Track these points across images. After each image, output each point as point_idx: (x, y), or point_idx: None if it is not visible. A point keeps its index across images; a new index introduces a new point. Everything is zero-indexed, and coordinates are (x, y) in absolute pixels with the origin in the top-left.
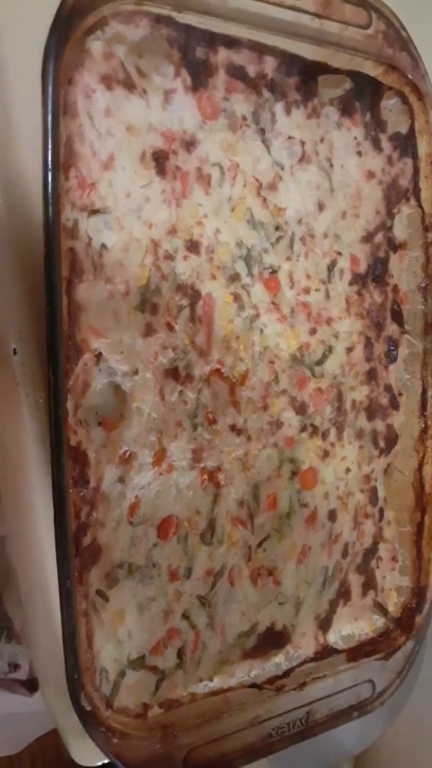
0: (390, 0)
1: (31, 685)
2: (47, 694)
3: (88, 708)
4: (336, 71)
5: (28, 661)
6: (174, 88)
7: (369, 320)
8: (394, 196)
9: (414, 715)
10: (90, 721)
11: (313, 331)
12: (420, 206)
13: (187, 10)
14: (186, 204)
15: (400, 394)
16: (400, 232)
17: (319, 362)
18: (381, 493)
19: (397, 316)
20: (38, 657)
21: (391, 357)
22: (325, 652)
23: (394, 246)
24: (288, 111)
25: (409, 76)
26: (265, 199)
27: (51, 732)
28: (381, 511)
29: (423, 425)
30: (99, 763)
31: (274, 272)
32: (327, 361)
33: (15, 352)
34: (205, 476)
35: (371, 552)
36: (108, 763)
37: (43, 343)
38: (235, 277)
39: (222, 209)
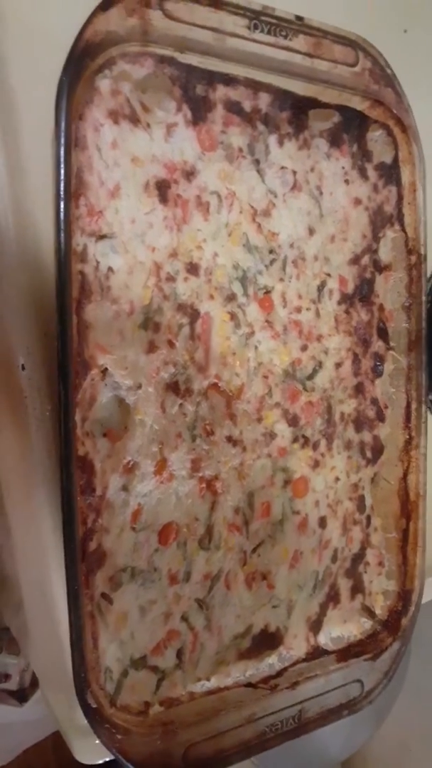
0: (375, 39)
1: (21, 696)
2: (49, 695)
3: (94, 705)
4: (325, 106)
5: (18, 671)
6: (175, 122)
7: (356, 337)
8: (379, 221)
9: (399, 723)
10: (95, 718)
11: (304, 348)
12: (404, 230)
13: (188, 51)
14: (186, 229)
15: (386, 407)
16: (385, 254)
17: (310, 377)
18: (368, 501)
19: (383, 334)
20: (39, 660)
21: (377, 372)
22: (316, 652)
23: (380, 268)
24: (281, 143)
25: (394, 110)
26: (259, 225)
27: (41, 742)
28: (368, 518)
29: (407, 436)
30: (100, 761)
31: (268, 292)
32: (317, 376)
33: (23, 368)
34: (203, 485)
35: (359, 557)
36: (109, 761)
37: (51, 358)
38: (231, 297)
39: (220, 234)
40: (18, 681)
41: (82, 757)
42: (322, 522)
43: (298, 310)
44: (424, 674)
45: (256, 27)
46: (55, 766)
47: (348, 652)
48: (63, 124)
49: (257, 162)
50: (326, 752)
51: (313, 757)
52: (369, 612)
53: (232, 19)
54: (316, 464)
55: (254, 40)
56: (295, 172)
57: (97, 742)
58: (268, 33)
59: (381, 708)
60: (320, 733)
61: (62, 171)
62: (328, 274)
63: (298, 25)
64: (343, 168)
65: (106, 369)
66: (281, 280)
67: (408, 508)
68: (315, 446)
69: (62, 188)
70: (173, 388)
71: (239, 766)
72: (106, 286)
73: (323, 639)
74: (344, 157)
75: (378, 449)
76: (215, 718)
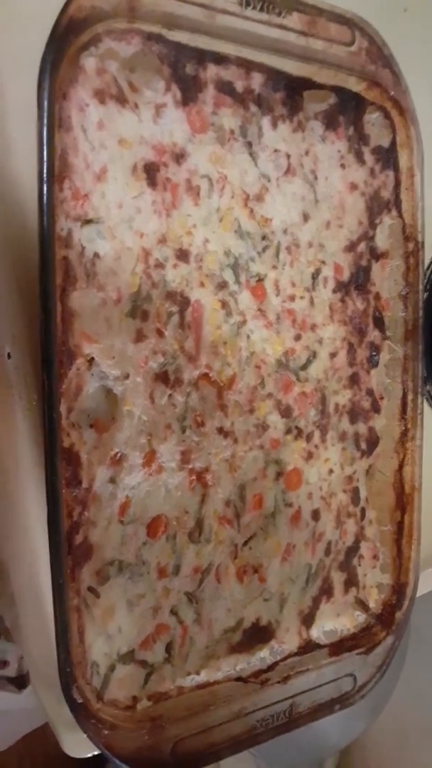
0: (373, 18)
1: (19, 682)
2: (38, 688)
3: (80, 700)
4: (321, 87)
5: (16, 658)
6: (164, 102)
7: (352, 326)
8: (376, 207)
9: (398, 712)
10: (81, 713)
11: (297, 337)
12: (401, 217)
13: (177, 28)
14: (176, 214)
15: (382, 398)
16: (381, 241)
17: (304, 367)
18: (363, 494)
19: (379, 323)
20: (30, 652)
21: (372, 362)
22: (308, 646)
23: (376, 255)
24: (274, 125)
25: (391, 92)
26: (252, 210)
27: (39, 729)
28: (363, 510)
29: (403, 428)
30: (89, 755)
31: (260, 280)
32: (311, 366)
33: (9, 356)
34: (194, 477)
35: (353, 550)
36: (97, 754)
37: (37, 347)
38: (223, 285)
39: (210, 219)
40: (16, 668)
41: (70, 750)
42: (316, 514)
43: (292, 298)
44: (421, 665)
45: (248, 4)
46: (54, 752)
47: (341, 646)
48: (45, 104)
49: (250, 145)
50: (323, 741)
51: (310, 746)
52: (363, 605)
53: None
54: (309, 456)
55: (246, 18)
56: (289, 156)
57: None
58: (261, 10)
59: (378, 699)
60: (316, 723)
61: (45, 152)
62: (323, 262)
63: (292, 2)
64: (339, 152)
65: (93, 358)
66: (274, 267)
67: (403, 501)
68: (308, 438)
69: (45, 170)
70: (162, 378)
71: (236, 756)
72: (92, 272)
73: (316, 633)
74: (340, 140)
75: (373, 441)
76: (204, 712)
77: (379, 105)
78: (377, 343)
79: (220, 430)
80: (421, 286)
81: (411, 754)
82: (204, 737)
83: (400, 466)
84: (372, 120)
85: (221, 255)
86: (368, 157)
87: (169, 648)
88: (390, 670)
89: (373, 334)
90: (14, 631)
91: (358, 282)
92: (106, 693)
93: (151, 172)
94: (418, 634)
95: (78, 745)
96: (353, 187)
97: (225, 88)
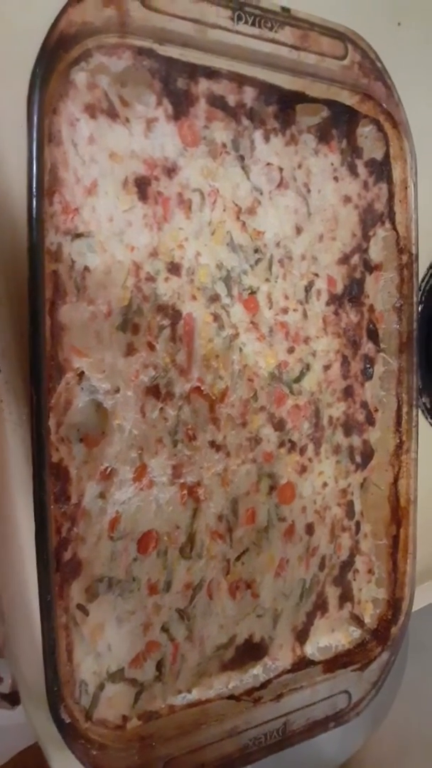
0: (366, 32)
1: (13, 699)
2: (28, 707)
3: (68, 720)
4: (313, 100)
5: (10, 674)
6: (156, 116)
7: (345, 339)
8: (369, 219)
9: (397, 725)
10: (69, 733)
11: (291, 350)
12: (395, 229)
13: (168, 43)
14: (167, 228)
15: (376, 411)
16: (375, 254)
17: (297, 380)
18: (357, 507)
19: (373, 335)
20: (20, 670)
21: (367, 374)
22: (302, 663)
23: (370, 267)
24: (267, 138)
25: (384, 105)
26: (244, 223)
27: (34, 745)
28: (357, 524)
29: (398, 440)
30: None
31: (253, 293)
32: (305, 379)
33: None
34: (185, 491)
35: (348, 564)
36: None
37: (27, 361)
38: (215, 298)
39: (202, 233)
40: (10, 684)
41: None
42: (310, 529)
43: (285, 311)
44: (422, 676)
45: (239, 18)
46: None
47: (335, 662)
48: (35, 119)
49: (242, 158)
50: (320, 757)
51: (306, 762)
52: (358, 621)
53: (215, 10)
54: (303, 469)
55: (238, 32)
56: (281, 169)
57: None
58: (253, 24)
59: (376, 712)
60: (313, 739)
61: (34, 167)
62: (316, 274)
63: (284, 17)
64: (332, 164)
65: (83, 372)
66: (267, 280)
67: (398, 514)
68: (302, 451)
69: (35, 184)
70: (153, 391)
71: None
72: (82, 286)
73: (310, 649)
74: (333, 153)
75: (368, 454)
76: (196, 731)
77: (373, 118)
78: (371, 356)
79: (213, 444)
80: (415, 299)
81: (412, 764)
82: (195, 757)
83: (395, 479)
84: (365, 133)
85: (213, 268)
86: (361, 170)
87: (159, 666)
88: (388, 684)
89: (367, 347)
90: (5, 648)
91: (351, 294)
92: (95, 712)
93: (142, 186)
94: (420, 643)
95: (68, 765)
96: (346, 199)
97: (217, 102)
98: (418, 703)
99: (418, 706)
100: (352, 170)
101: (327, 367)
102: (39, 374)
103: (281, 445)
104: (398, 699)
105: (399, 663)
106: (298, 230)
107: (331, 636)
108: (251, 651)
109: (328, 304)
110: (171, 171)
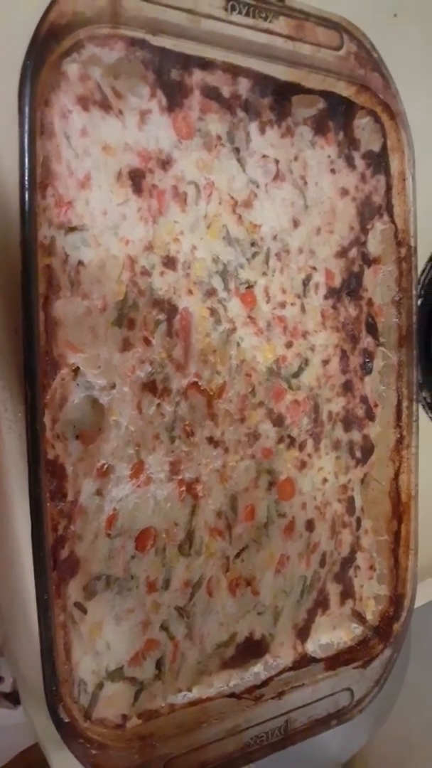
0: (362, 23)
1: (14, 698)
2: (27, 706)
3: (66, 720)
4: (309, 91)
5: (12, 673)
6: (149, 108)
7: (344, 333)
8: (367, 212)
9: (401, 722)
10: (68, 732)
11: (289, 345)
12: (393, 222)
13: (161, 34)
14: (162, 221)
15: (376, 405)
16: (373, 247)
17: (296, 375)
18: (358, 503)
19: (372, 329)
20: (20, 669)
21: (366, 369)
22: (304, 660)
23: (368, 261)
24: (262, 130)
25: (381, 96)
26: (240, 216)
27: (35, 745)
28: (358, 520)
29: (398, 435)
30: None
31: (250, 287)
32: (303, 374)
33: None
34: (183, 488)
35: (349, 561)
36: None
37: (21, 357)
38: (211, 292)
39: (198, 226)
40: (12, 683)
41: None
42: (310, 525)
43: (282, 305)
44: (425, 673)
45: (233, 8)
46: None
47: (337, 659)
48: (27, 111)
49: (237, 150)
50: (323, 755)
51: (309, 760)
52: (359, 617)
53: (208, 0)
54: (302, 465)
55: (232, 22)
56: (277, 161)
57: None
58: (247, 15)
59: (380, 710)
60: (315, 737)
61: (26, 160)
62: (314, 268)
63: (278, 7)
64: (329, 157)
65: (78, 368)
66: (264, 274)
67: (399, 510)
68: (301, 447)
69: (27, 177)
70: (150, 387)
71: None
72: (76, 280)
73: (311, 646)
74: (330, 145)
75: (368, 449)
76: (197, 730)
77: (369, 109)
78: (370, 350)
79: (211, 440)
80: (414, 292)
81: (416, 762)
82: (196, 756)
83: (396, 475)
84: (362, 125)
85: (209, 262)
86: (359, 162)
87: (159, 664)
88: (390, 681)
89: (366, 341)
90: (5, 648)
91: (350, 288)
92: (94, 711)
93: (136, 179)
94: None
95: (68, 765)
96: (344, 192)
97: (211, 93)
98: (421, 699)
99: (421, 703)
100: (350, 162)
101: (326, 362)
102: (33, 370)
103: (280, 440)
104: (401, 696)
105: (401, 660)
106: (295, 223)
107: (332, 633)
108: (252, 649)
109: (326, 297)
110: (165, 163)
